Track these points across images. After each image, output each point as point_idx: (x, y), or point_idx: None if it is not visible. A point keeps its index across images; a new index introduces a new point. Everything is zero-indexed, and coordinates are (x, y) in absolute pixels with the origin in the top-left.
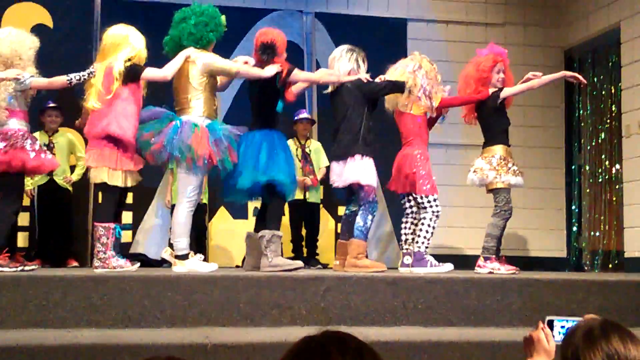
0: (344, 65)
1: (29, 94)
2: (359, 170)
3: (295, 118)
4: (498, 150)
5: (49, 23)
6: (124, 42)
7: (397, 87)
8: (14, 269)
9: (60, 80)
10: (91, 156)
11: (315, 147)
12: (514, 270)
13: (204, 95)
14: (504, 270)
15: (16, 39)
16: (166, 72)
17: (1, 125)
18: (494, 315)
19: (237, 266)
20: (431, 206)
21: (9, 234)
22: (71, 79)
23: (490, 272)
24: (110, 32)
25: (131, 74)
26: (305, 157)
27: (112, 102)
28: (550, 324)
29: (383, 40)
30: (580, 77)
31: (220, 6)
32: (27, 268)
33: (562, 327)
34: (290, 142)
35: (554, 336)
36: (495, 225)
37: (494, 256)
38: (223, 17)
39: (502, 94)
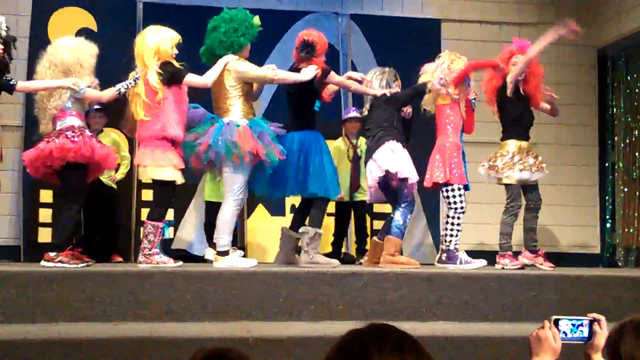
0: (375, 87)
1: (86, 102)
2: (394, 158)
3: (344, 117)
4: (509, 145)
5: (94, 27)
6: (148, 50)
7: (419, 90)
8: (75, 266)
9: (110, 93)
10: (147, 156)
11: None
12: (552, 267)
13: (241, 100)
14: (539, 265)
15: (78, 47)
16: (206, 79)
17: (62, 122)
18: (529, 311)
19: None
20: (455, 201)
21: (73, 230)
22: (119, 89)
23: (502, 269)
24: (137, 39)
25: (174, 78)
26: (356, 159)
27: (162, 107)
28: (557, 323)
29: (417, 40)
30: (572, 25)
31: (255, 9)
32: (84, 264)
33: (570, 325)
34: (339, 141)
35: (561, 335)
36: (503, 222)
37: (507, 252)
38: (256, 18)
39: (508, 79)
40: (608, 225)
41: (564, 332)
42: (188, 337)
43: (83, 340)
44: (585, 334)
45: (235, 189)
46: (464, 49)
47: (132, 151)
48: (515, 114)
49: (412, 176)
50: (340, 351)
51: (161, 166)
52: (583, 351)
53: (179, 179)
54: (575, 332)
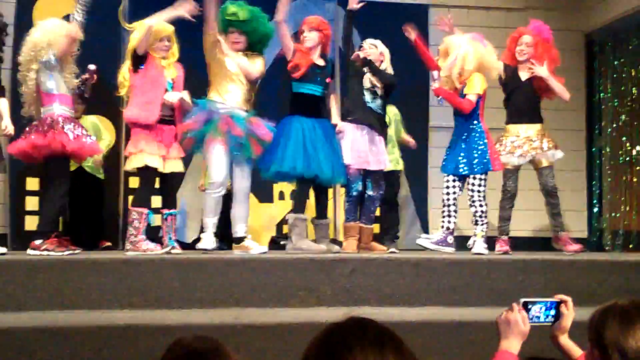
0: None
1: (70, 79)
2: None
3: None
4: (506, 130)
5: None
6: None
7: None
8: (61, 254)
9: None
10: (130, 143)
11: (392, 114)
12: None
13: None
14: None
15: (50, 27)
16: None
17: (45, 109)
18: (517, 296)
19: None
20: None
21: (56, 217)
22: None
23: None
24: None
25: (132, 59)
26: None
27: (131, 92)
28: (526, 306)
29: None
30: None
31: None
32: (70, 252)
33: (538, 308)
34: None
35: (530, 319)
36: (500, 206)
37: (502, 237)
38: (230, 7)
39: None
40: (595, 209)
41: (532, 315)
42: (177, 325)
43: (71, 328)
44: (553, 316)
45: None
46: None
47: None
48: (509, 99)
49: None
50: (320, 345)
51: (133, 153)
52: (550, 333)
53: (154, 165)
54: (543, 315)
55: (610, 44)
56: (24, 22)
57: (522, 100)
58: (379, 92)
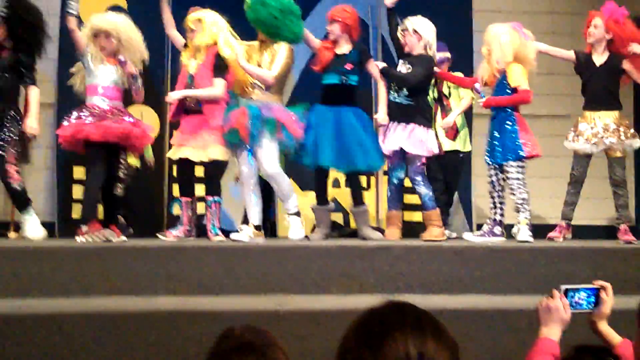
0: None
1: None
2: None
3: None
4: (583, 115)
5: (123, 4)
6: None
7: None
8: (104, 239)
9: None
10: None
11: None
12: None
13: None
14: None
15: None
16: None
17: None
18: (562, 283)
19: (306, 237)
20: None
21: (94, 204)
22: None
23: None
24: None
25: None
26: (441, 99)
27: None
28: (566, 293)
29: (449, 12)
30: None
31: None
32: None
33: (579, 294)
34: None
35: (571, 305)
36: (566, 191)
37: (561, 222)
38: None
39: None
40: None
41: (573, 302)
42: (219, 311)
43: (117, 314)
44: (593, 303)
45: None
46: (496, 20)
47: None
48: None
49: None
50: (359, 328)
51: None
52: (588, 319)
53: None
54: (584, 301)
55: None
56: None
57: (599, 86)
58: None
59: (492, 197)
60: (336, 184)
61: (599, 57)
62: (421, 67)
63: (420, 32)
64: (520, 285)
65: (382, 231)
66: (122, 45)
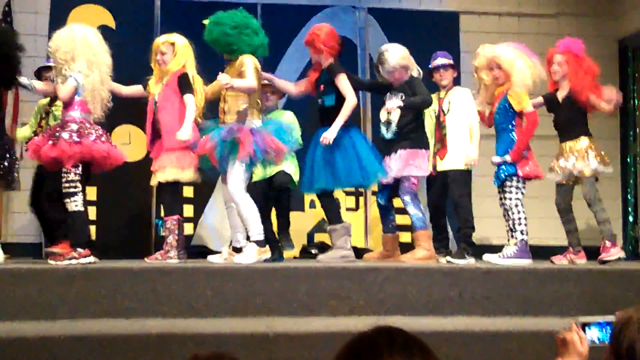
0: None
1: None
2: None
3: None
4: (558, 148)
5: (112, 24)
6: None
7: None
8: (88, 261)
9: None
10: None
11: (456, 95)
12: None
13: None
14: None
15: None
16: None
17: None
18: (552, 305)
19: (295, 257)
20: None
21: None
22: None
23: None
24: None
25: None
26: (439, 117)
27: None
28: (584, 326)
29: (436, 33)
30: None
31: (272, 4)
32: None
33: (597, 328)
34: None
35: (592, 340)
36: None
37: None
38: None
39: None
40: (631, 218)
41: (591, 335)
42: (209, 333)
43: (105, 336)
44: (610, 336)
45: None
46: (483, 41)
47: None
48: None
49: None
50: (349, 352)
51: None
52: (605, 355)
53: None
54: (602, 334)
55: None
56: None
57: (563, 119)
58: (394, 120)
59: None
60: (312, 205)
61: (562, 92)
62: (418, 87)
63: (406, 64)
64: (509, 307)
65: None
66: (53, 57)
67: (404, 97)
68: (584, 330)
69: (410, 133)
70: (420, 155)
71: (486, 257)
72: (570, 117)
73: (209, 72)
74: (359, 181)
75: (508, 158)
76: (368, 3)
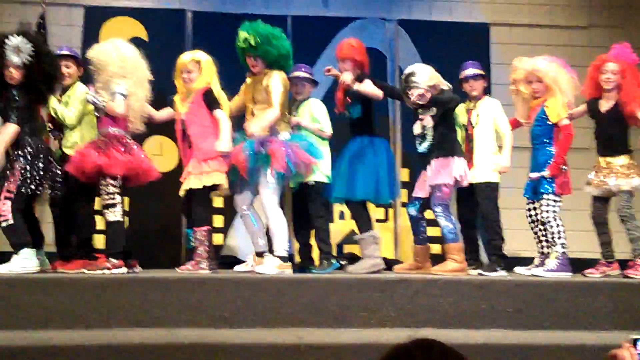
0: None
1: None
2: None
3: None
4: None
5: (144, 36)
6: None
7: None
8: (122, 272)
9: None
10: None
11: (485, 107)
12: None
13: None
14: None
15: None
16: None
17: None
18: (585, 319)
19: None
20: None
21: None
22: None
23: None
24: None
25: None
26: (467, 130)
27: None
28: (635, 343)
29: (466, 45)
30: None
31: (302, 15)
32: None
33: None
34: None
35: (639, 355)
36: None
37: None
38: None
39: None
40: None
41: None
42: (239, 344)
43: (136, 346)
44: None
45: None
46: (514, 53)
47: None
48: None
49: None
50: None
51: None
52: None
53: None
54: None
55: None
56: (90, 45)
57: (604, 133)
58: (430, 132)
59: (534, 232)
60: (342, 216)
61: (606, 103)
62: (446, 93)
63: (435, 83)
64: (541, 320)
65: (395, 263)
66: (100, 71)
67: (435, 112)
68: (634, 346)
69: (443, 143)
70: (452, 163)
71: (522, 270)
72: (612, 131)
73: (232, 87)
74: (372, 197)
75: (546, 173)
76: (398, 15)
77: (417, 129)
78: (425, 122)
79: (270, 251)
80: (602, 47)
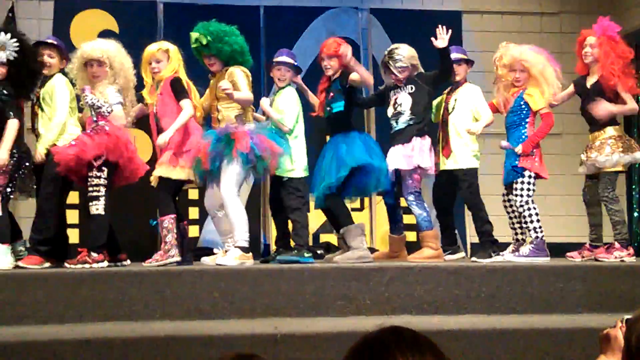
0: None
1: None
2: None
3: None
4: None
5: (115, 29)
6: None
7: None
8: (99, 266)
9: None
10: None
11: (464, 93)
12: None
13: None
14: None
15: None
16: None
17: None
18: (558, 303)
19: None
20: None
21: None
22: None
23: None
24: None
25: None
26: (444, 115)
27: None
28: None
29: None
30: None
31: (275, 6)
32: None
33: None
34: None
35: None
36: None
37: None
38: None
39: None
40: (636, 214)
41: None
42: (216, 335)
43: (112, 339)
44: None
45: None
46: (485, 40)
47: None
48: None
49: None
50: (359, 352)
51: None
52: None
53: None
54: None
55: None
56: (60, 39)
57: (590, 106)
58: (407, 106)
59: (509, 218)
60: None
61: (591, 78)
62: (428, 73)
63: (416, 63)
64: (516, 305)
65: (372, 251)
66: (115, 73)
67: (414, 89)
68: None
69: (423, 122)
70: (423, 148)
71: (497, 257)
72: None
73: (204, 79)
74: (373, 188)
75: (519, 149)
76: (370, 4)
77: (390, 110)
78: (400, 100)
79: None
80: (573, 34)
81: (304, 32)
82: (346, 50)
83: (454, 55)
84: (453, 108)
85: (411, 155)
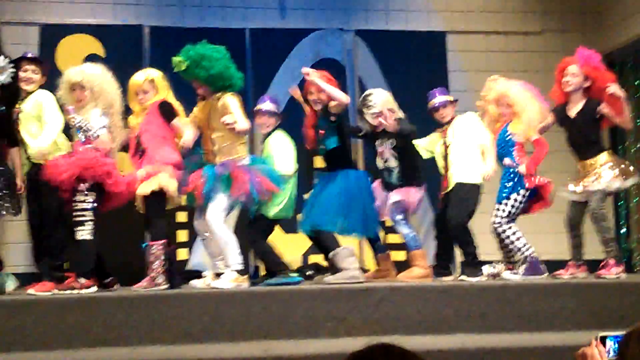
0: None
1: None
2: None
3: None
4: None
5: (101, 53)
6: None
7: None
8: (89, 291)
9: None
10: None
11: (459, 123)
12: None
13: None
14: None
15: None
16: None
17: None
18: (548, 320)
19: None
20: None
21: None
22: None
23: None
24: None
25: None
26: (445, 150)
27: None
28: (603, 341)
29: (423, 53)
30: None
31: (261, 28)
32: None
33: (612, 341)
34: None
35: (607, 352)
36: None
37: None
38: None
39: None
40: (623, 230)
41: (611, 349)
42: (207, 359)
43: None
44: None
45: None
46: (470, 60)
47: None
48: None
49: None
50: None
51: None
52: None
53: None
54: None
55: (630, 64)
56: (46, 61)
57: (577, 136)
58: (395, 164)
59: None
60: None
61: (575, 106)
62: (402, 124)
63: (391, 107)
64: (505, 324)
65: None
66: (95, 96)
67: (394, 144)
68: (603, 344)
69: (414, 173)
70: (411, 192)
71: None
72: (587, 132)
73: (191, 103)
74: (361, 232)
75: (522, 168)
76: (356, 25)
77: (379, 162)
78: (385, 155)
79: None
80: (556, 52)
81: (290, 54)
82: (311, 73)
83: (438, 99)
84: (453, 138)
85: (404, 199)
